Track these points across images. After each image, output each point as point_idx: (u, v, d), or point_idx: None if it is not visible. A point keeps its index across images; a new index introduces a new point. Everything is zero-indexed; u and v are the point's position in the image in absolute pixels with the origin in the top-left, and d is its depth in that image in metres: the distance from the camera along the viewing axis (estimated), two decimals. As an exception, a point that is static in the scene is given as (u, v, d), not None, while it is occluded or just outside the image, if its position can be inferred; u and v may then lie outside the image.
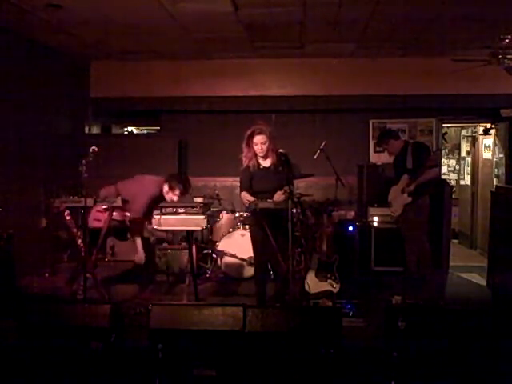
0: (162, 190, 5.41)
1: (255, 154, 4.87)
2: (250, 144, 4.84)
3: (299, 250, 5.29)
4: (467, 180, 9.08)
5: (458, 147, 9.59)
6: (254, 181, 4.89)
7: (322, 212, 5.41)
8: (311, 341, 3.25)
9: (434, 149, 7.85)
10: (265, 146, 4.82)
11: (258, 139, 4.80)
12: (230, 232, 6.42)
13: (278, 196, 4.71)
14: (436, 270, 6.57)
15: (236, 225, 6.54)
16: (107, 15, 5.49)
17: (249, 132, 4.84)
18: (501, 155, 7.72)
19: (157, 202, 5.21)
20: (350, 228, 6.53)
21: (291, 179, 4.72)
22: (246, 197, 4.83)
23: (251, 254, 6.18)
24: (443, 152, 9.09)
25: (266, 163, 4.94)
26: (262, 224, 4.73)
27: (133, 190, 5.38)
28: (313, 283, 5.18)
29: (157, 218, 4.82)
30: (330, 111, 7.90)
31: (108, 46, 6.94)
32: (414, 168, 5.68)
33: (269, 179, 4.84)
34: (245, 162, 4.91)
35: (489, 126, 7.89)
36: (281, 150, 4.86)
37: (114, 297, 5.34)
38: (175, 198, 5.30)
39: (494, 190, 6.37)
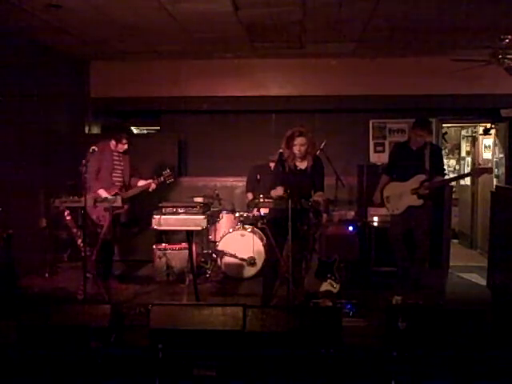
0: (109, 149, 5.71)
1: (294, 155, 4.92)
2: (289, 144, 4.89)
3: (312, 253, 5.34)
4: (467, 180, 9.07)
5: (458, 147, 9.59)
6: (283, 180, 4.91)
7: (322, 212, 5.40)
8: (311, 341, 3.25)
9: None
10: (303, 148, 4.87)
11: (298, 141, 4.85)
12: (229, 232, 6.42)
13: (318, 197, 4.84)
14: (436, 269, 6.58)
15: (236, 225, 6.54)
16: (107, 15, 5.49)
17: (289, 133, 4.90)
18: (501, 155, 7.71)
19: (110, 162, 5.66)
20: (350, 228, 6.52)
21: (323, 184, 4.97)
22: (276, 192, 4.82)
23: (251, 254, 6.22)
24: (443, 152, 9.08)
25: (302, 165, 4.99)
26: (281, 226, 4.67)
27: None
28: (313, 283, 5.17)
29: (157, 217, 4.83)
30: (330, 111, 7.90)
31: (108, 45, 6.94)
32: (431, 171, 5.54)
33: (301, 181, 4.87)
34: (286, 161, 4.93)
35: (489, 126, 7.89)
36: (280, 150, 4.92)
37: (114, 297, 5.34)
38: (125, 147, 5.79)
39: (494, 189, 6.37)
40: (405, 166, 5.67)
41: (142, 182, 5.87)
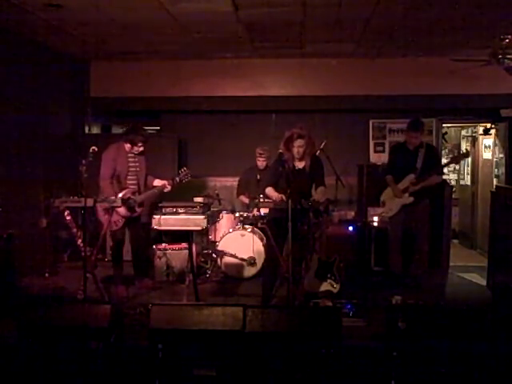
0: (124, 151, 5.62)
1: (293, 156, 4.97)
2: (288, 146, 4.94)
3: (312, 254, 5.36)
4: (467, 180, 9.07)
5: (458, 147, 9.58)
6: (282, 180, 4.94)
7: (322, 212, 5.42)
8: (311, 341, 3.25)
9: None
10: (302, 150, 4.94)
11: (297, 143, 4.91)
12: (229, 232, 6.42)
13: (318, 196, 4.96)
14: (436, 269, 6.58)
15: (236, 225, 6.53)
16: (107, 15, 5.49)
17: (288, 134, 4.95)
18: (501, 155, 7.71)
19: (125, 165, 5.56)
20: (350, 228, 6.52)
21: (323, 180, 5.08)
22: (271, 192, 4.91)
23: (251, 254, 6.22)
24: (443, 152, 9.09)
25: (300, 165, 5.05)
26: (281, 226, 4.70)
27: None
28: (313, 283, 5.17)
29: (157, 217, 4.83)
30: (330, 111, 7.90)
31: (108, 45, 6.94)
32: (423, 169, 5.66)
33: (300, 181, 4.90)
34: (286, 162, 4.95)
35: (489, 126, 7.88)
36: (280, 151, 4.94)
37: (114, 297, 5.34)
38: (141, 149, 5.64)
39: (494, 189, 6.37)
40: (401, 167, 5.85)
41: (157, 182, 5.77)
